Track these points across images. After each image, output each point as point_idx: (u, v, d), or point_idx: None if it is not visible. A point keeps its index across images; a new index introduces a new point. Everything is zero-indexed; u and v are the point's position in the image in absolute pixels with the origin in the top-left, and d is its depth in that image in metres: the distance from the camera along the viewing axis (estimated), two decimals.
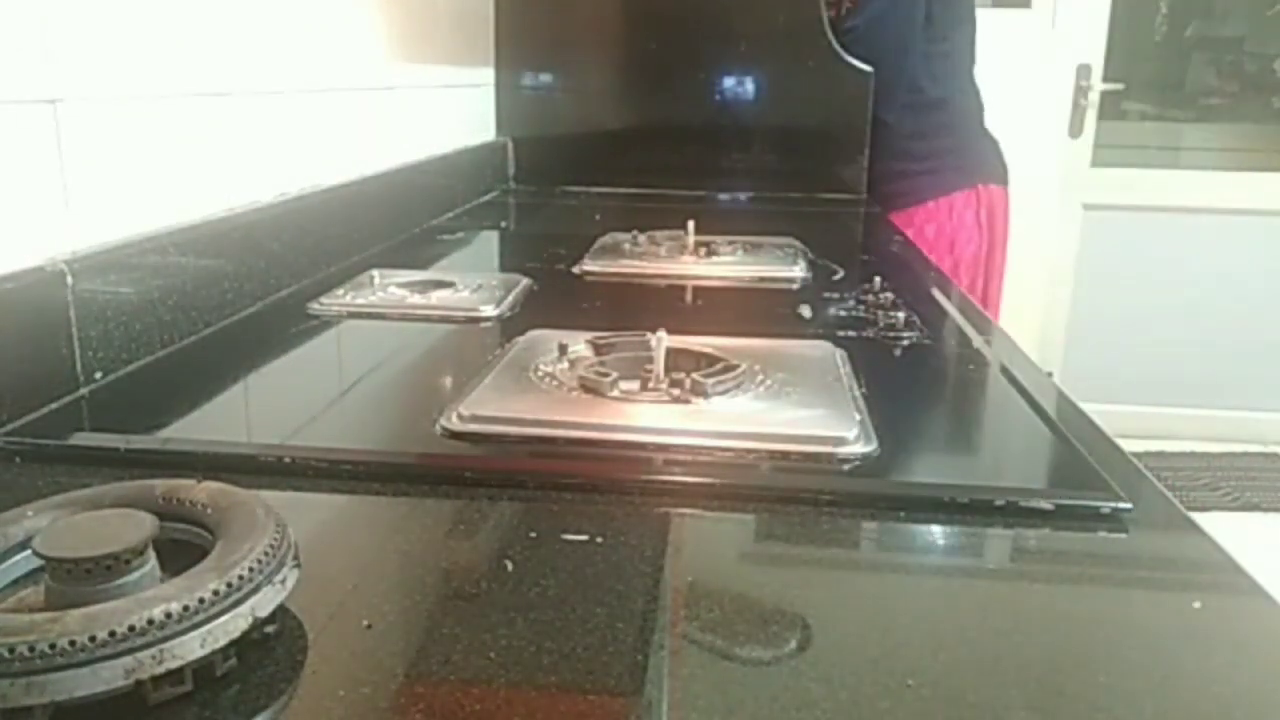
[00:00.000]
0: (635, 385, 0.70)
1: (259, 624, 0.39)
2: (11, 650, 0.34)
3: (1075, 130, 2.98)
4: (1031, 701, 0.39)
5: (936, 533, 0.54)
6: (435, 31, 1.64)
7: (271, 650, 0.41)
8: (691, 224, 1.26)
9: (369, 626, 0.43)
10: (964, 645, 0.43)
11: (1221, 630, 0.44)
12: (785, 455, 0.61)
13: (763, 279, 1.17)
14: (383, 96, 1.39)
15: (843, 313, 1.01)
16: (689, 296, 1.15)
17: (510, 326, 0.91)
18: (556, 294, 1.08)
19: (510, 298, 1.00)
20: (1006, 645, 0.43)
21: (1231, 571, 0.50)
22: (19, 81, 0.69)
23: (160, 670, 0.36)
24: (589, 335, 0.79)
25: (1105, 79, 2.95)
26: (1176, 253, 2.90)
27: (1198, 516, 0.56)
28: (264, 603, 0.39)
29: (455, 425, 0.63)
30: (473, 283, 1.04)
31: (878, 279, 1.06)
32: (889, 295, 1.02)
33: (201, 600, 0.37)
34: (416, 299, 0.99)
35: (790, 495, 0.57)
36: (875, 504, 0.56)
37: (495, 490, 0.57)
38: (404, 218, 1.40)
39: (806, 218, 1.67)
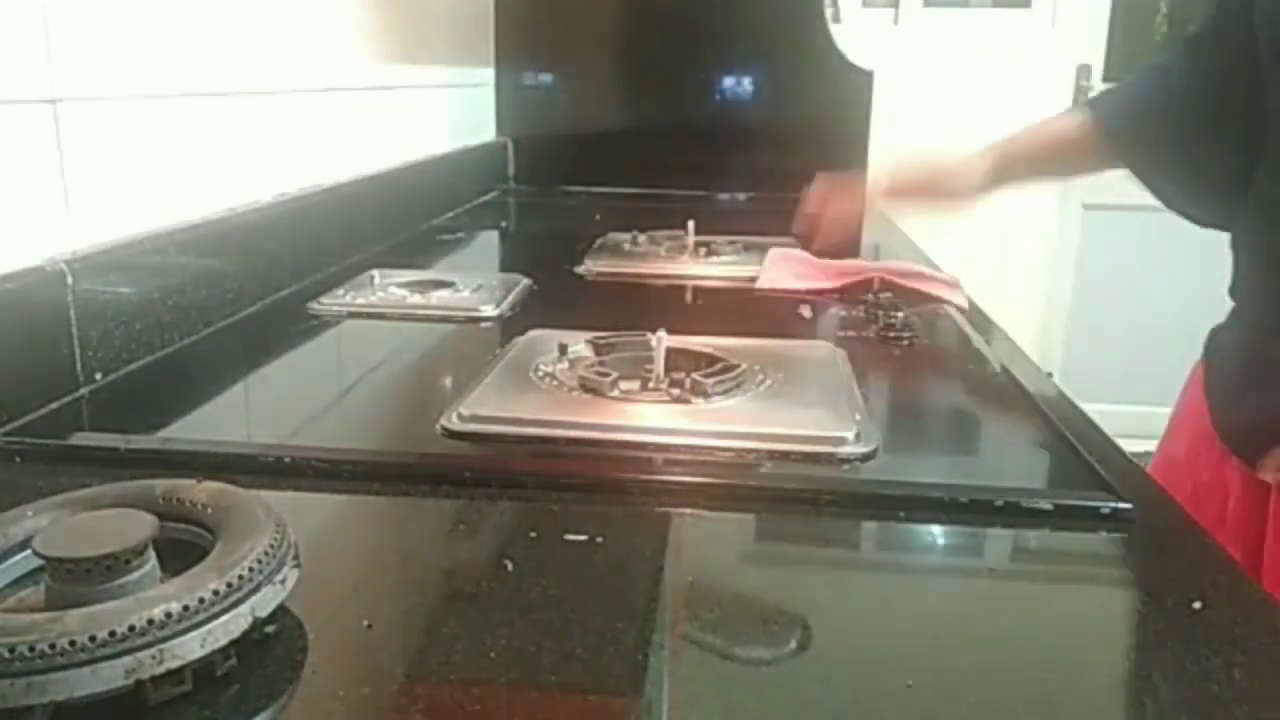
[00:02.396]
0: (635, 385, 0.69)
1: (259, 624, 0.39)
2: (11, 650, 0.34)
3: None
4: (1031, 701, 0.39)
5: (936, 533, 0.54)
6: (435, 31, 1.64)
7: (271, 650, 0.40)
8: (691, 224, 1.26)
9: (369, 626, 0.43)
10: (964, 645, 0.43)
11: (1221, 630, 0.44)
12: (785, 455, 0.61)
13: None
14: (383, 96, 1.39)
15: (843, 313, 1.01)
16: (689, 296, 1.15)
17: (510, 326, 0.91)
18: (556, 294, 1.08)
19: (510, 298, 1.00)
20: (1006, 645, 0.43)
21: (1231, 571, 0.50)
22: (19, 81, 0.69)
23: (160, 670, 0.36)
24: (589, 335, 0.79)
25: (1105, 79, 2.95)
26: (1176, 253, 2.90)
27: None
28: (264, 603, 0.39)
29: (455, 425, 0.63)
30: (473, 283, 1.04)
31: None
32: (889, 295, 1.02)
33: (201, 600, 0.37)
34: (416, 299, 0.99)
35: (790, 495, 0.57)
36: (875, 504, 0.56)
37: (495, 490, 0.57)
38: (404, 218, 1.40)
39: None
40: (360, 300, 0.98)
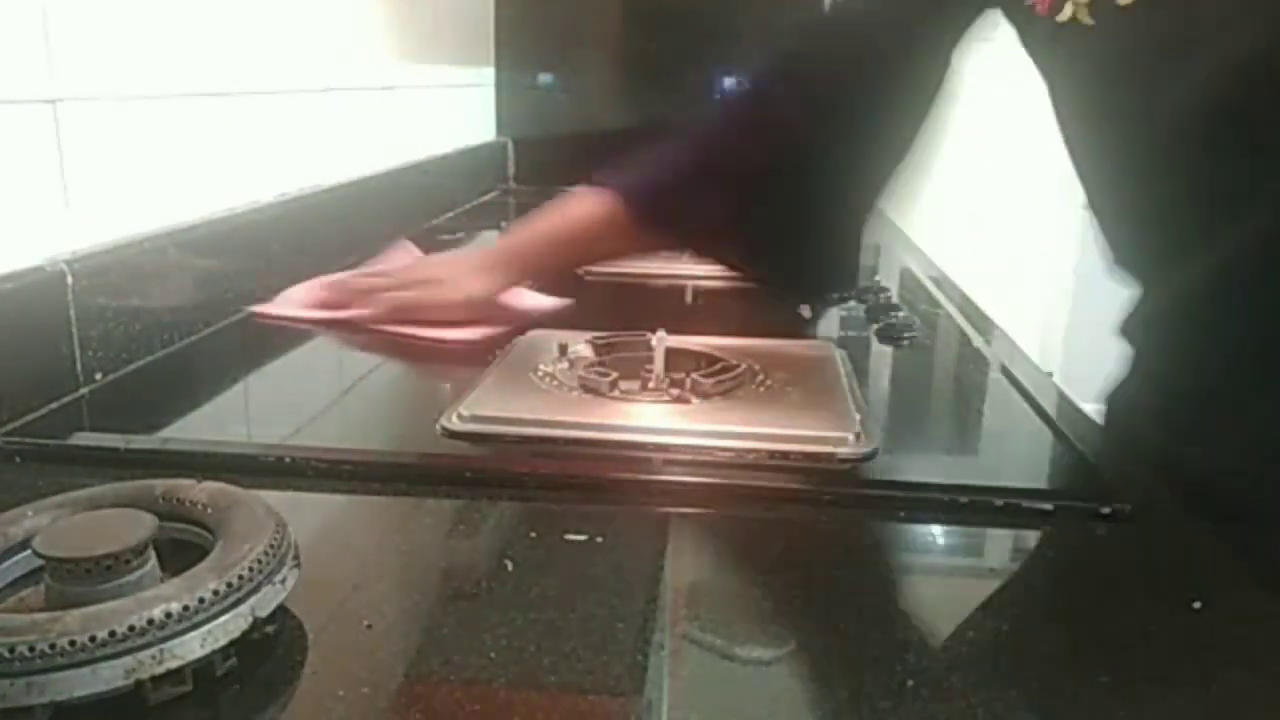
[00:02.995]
0: (635, 385, 0.70)
1: (259, 624, 0.39)
2: (11, 650, 0.34)
3: None
4: (1031, 701, 0.39)
5: (936, 533, 0.54)
6: (435, 31, 1.64)
7: (271, 650, 0.40)
8: None
9: (369, 626, 0.43)
10: (964, 645, 0.43)
11: (1221, 630, 0.44)
12: (785, 455, 0.61)
13: None
14: (383, 96, 1.39)
15: (843, 313, 1.01)
16: (689, 296, 1.15)
17: None
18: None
19: None
20: (1006, 645, 0.43)
21: (1231, 571, 0.50)
22: (19, 81, 0.69)
23: (160, 670, 0.36)
24: (589, 335, 0.79)
25: None
26: None
27: None
28: (264, 603, 0.39)
29: (455, 425, 0.63)
30: None
31: (877, 279, 1.06)
32: (889, 295, 1.02)
33: (201, 600, 0.37)
34: None
35: (790, 495, 0.57)
36: (875, 504, 0.56)
37: (495, 490, 0.57)
38: (404, 218, 1.40)
39: None
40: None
